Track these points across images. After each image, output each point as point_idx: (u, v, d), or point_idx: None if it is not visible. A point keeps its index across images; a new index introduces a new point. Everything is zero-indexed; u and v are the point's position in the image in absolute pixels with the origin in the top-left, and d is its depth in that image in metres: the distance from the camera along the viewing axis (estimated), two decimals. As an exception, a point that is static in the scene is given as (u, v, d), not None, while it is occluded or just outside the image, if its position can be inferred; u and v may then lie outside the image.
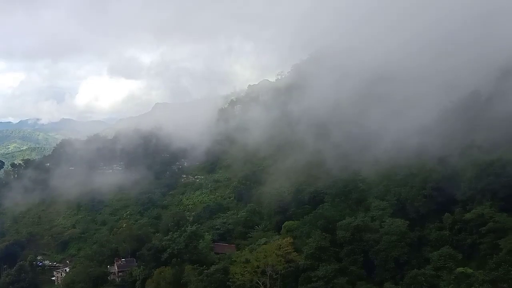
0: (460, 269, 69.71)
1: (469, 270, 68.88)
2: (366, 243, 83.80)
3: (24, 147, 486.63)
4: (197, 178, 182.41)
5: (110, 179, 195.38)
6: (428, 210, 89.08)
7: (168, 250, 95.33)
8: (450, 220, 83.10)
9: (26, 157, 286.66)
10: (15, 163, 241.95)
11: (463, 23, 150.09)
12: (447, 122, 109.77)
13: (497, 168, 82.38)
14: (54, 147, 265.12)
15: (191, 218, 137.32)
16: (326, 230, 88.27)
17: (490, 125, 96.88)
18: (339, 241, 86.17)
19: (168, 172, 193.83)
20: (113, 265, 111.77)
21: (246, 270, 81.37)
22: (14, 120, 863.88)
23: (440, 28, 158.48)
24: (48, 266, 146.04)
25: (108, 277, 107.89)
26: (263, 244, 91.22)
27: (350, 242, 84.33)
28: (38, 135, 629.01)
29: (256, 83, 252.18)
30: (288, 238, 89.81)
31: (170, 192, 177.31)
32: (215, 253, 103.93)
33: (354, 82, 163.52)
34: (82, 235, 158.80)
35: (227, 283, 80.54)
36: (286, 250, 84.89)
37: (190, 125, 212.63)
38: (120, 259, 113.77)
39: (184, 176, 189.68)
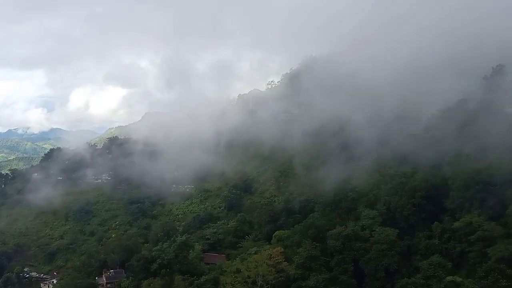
0: (449, 278, 70.08)
1: (459, 279, 69.28)
2: (357, 252, 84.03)
3: (12, 157, 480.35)
4: (187, 188, 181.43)
5: (99, 189, 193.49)
6: (417, 219, 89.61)
7: (157, 260, 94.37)
8: (439, 228, 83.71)
9: (14, 167, 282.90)
10: (2, 173, 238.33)
11: (449, 32, 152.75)
12: (436, 131, 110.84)
13: (485, 177, 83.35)
14: (42, 156, 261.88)
15: (181, 228, 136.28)
16: (316, 239, 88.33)
17: (478, 133, 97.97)
18: (330, 250, 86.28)
19: (158, 182, 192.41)
20: (102, 277, 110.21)
21: (237, 280, 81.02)
22: (2, 129, 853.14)
23: (429, 36, 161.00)
24: (35, 277, 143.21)
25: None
26: (253, 253, 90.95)
27: (340, 251, 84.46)
28: (26, 144, 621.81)
29: (247, 93, 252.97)
30: (279, 247, 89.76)
31: (160, 202, 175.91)
32: (205, 263, 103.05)
33: (344, 90, 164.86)
34: (70, 246, 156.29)
35: (218, 293, 79.88)
36: (276, 259, 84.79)
37: (180, 134, 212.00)
38: (109, 270, 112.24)
39: (174, 185, 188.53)
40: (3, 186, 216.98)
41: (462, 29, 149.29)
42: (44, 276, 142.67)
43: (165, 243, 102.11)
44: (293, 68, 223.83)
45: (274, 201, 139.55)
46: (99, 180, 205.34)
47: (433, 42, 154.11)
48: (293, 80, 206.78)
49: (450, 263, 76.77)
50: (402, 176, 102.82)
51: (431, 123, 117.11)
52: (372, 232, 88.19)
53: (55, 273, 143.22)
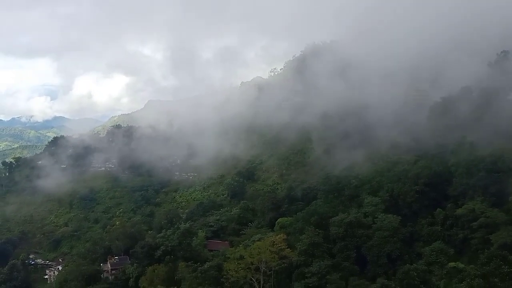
0: (451, 264, 70.30)
1: (461, 265, 69.44)
2: (359, 239, 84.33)
3: (16, 145, 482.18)
4: (191, 175, 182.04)
5: (103, 176, 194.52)
6: (420, 206, 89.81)
7: (161, 247, 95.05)
8: (442, 215, 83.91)
9: (18, 155, 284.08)
10: (6, 161, 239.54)
11: (454, 21, 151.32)
12: (439, 118, 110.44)
13: (488, 164, 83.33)
14: (46, 145, 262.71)
15: (184, 216, 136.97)
16: (319, 226, 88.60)
17: (481, 121, 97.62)
18: (332, 237, 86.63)
19: (160, 170, 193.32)
20: (106, 263, 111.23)
21: (240, 267, 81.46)
22: (5, 118, 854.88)
23: (432, 25, 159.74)
24: (41, 264, 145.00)
25: (101, 275, 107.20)
26: (257, 240, 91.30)
27: (343, 238, 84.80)
28: (29, 133, 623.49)
29: (249, 80, 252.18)
30: (282, 234, 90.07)
31: (163, 190, 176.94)
32: (208, 250, 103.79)
33: (348, 78, 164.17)
34: (75, 233, 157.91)
35: (221, 279, 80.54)
36: (279, 246, 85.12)
37: (183, 122, 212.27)
38: (113, 257, 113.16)
39: (177, 173, 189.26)
40: (7, 174, 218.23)
41: (468, 16, 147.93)
42: (49, 263, 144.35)
43: (168, 230, 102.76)
44: (296, 56, 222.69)
45: (277, 188, 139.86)
46: (103, 168, 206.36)
47: (440, 30, 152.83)
48: (297, 67, 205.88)
49: (452, 249, 77.06)
50: (406, 163, 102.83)
51: (434, 110, 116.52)
52: (375, 219, 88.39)
53: (60, 260, 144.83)
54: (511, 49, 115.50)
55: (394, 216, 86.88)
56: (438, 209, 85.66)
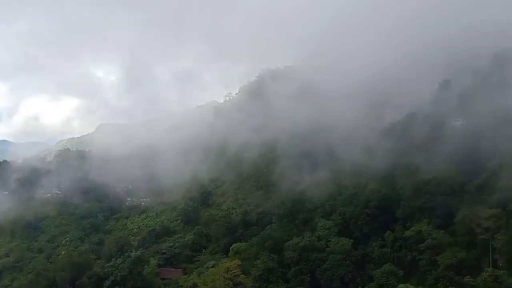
0: (401, 286, 72.08)
1: (410, 287, 71.41)
2: (313, 263, 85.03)
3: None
4: (142, 201, 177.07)
5: (49, 203, 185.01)
6: (371, 228, 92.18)
7: (110, 277, 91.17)
8: (391, 237, 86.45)
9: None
10: None
11: (397, 50, 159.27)
12: (387, 143, 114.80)
13: (433, 187, 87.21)
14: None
15: (136, 243, 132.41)
16: (273, 251, 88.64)
17: (426, 145, 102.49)
18: (287, 262, 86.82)
19: (111, 195, 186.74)
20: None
21: (193, 295, 79.50)
22: None
23: (380, 53, 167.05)
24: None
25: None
26: (211, 267, 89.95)
27: (297, 262, 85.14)
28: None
29: (205, 104, 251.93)
30: (236, 260, 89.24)
31: (114, 216, 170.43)
32: (161, 278, 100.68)
33: (301, 102, 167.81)
34: (17, 264, 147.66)
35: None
36: (234, 272, 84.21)
37: (137, 146, 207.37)
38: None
39: (129, 199, 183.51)
40: None
41: (419, 43, 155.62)
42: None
43: (118, 259, 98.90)
44: (251, 80, 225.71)
45: (232, 213, 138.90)
46: (49, 194, 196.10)
47: (391, 53, 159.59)
48: (252, 92, 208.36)
49: (402, 271, 79.21)
50: (356, 186, 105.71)
51: (382, 135, 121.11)
52: (328, 243, 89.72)
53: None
54: (453, 77, 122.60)
55: (347, 239, 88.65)
56: (388, 231, 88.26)
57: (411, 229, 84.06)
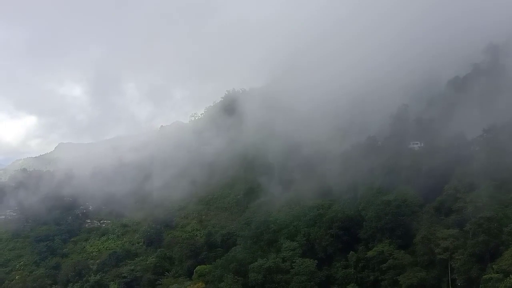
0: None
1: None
2: (278, 285, 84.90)
3: None
4: (103, 223, 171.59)
5: (2, 226, 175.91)
6: (335, 249, 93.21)
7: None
8: (355, 258, 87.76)
9: None
10: None
11: (363, 75, 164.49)
12: (349, 164, 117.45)
13: (394, 208, 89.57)
14: None
15: (95, 267, 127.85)
16: (238, 273, 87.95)
17: (386, 168, 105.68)
18: (251, 284, 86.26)
19: (70, 217, 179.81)
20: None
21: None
22: None
23: (346, 76, 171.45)
24: None
25: None
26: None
27: (262, 284, 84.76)
28: None
29: (169, 124, 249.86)
30: (200, 283, 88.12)
31: (72, 239, 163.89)
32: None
33: (265, 123, 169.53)
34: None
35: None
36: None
37: (95, 166, 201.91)
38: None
39: (89, 221, 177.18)
40: None
41: (383, 62, 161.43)
42: None
43: (76, 284, 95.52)
44: (216, 102, 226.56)
45: (196, 235, 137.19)
46: (3, 217, 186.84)
47: (357, 77, 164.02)
48: (217, 113, 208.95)
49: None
50: (320, 207, 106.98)
51: (345, 157, 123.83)
52: (293, 264, 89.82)
53: None
54: (410, 102, 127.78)
55: (311, 260, 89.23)
56: (351, 252, 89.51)
57: (373, 249, 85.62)
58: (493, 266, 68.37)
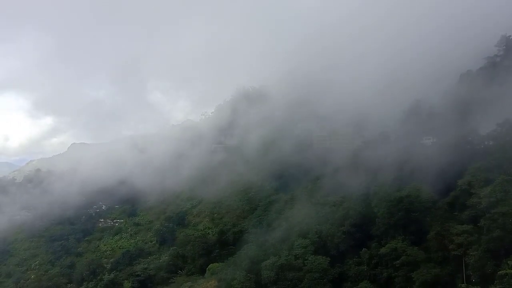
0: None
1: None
2: (290, 282, 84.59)
3: None
4: (116, 222, 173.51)
5: (18, 225, 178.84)
6: (347, 246, 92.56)
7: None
8: (367, 255, 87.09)
9: None
10: None
11: (372, 70, 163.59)
12: (361, 161, 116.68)
13: (406, 204, 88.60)
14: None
15: (109, 266, 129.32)
16: (250, 270, 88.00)
17: (398, 164, 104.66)
18: (264, 282, 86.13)
19: (84, 217, 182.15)
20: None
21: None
22: None
23: (359, 68, 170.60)
24: None
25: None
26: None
27: (274, 282, 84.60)
28: None
29: (180, 123, 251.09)
30: (213, 281, 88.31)
31: (86, 238, 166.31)
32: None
33: (275, 120, 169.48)
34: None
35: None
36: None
37: (108, 166, 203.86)
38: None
39: (102, 220, 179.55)
40: None
41: (391, 63, 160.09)
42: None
43: (90, 283, 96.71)
44: (227, 100, 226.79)
45: (208, 233, 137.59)
46: (18, 217, 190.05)
47: (368, 72, 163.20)
48: (227, 111, 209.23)
49: (378, 288, 79.75)
50: (332, 205, 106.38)
51: (356, 154, 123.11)
52: (305, 261, 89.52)
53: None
54: (423, 96, 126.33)
55: (323, 257, 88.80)
56: (363, 248, 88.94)
57: (386, 246, 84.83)
58: (508, 262, 67.19)
